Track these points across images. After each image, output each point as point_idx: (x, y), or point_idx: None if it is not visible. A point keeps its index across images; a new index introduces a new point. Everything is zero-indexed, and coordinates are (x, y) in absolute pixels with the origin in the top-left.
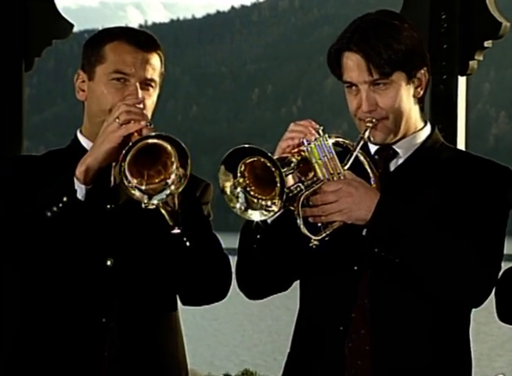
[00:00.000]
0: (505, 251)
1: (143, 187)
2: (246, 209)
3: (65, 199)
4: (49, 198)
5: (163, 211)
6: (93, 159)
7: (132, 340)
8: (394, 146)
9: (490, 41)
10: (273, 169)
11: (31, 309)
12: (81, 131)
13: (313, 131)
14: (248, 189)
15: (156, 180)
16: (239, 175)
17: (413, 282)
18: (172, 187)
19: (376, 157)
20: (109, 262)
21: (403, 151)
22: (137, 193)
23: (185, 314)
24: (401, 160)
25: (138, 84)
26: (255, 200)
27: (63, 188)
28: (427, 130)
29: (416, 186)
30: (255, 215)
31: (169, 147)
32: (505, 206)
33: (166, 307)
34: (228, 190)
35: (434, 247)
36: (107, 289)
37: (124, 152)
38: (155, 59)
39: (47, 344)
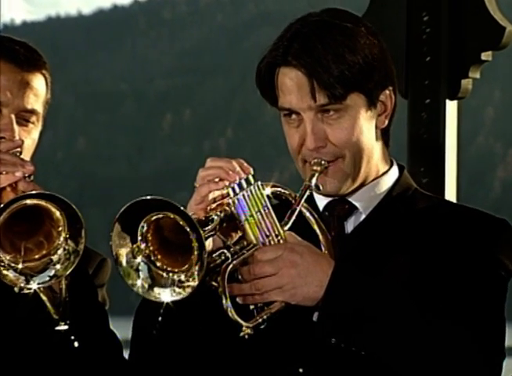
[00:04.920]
0: (506, 343)
1: (19, 266)
2: (151, 287)
3: None
4: None
5: (44, 299)
6: None
7: None
8: (350, 199)
9: (490, 53)
10: (188, 229)
11: None
12: None
13: (242, 175)
14: (153, 258)
15: (37, 256)
16: (139, 238)
17: None
18: (58, 266)
19: (326, 213)
20: None
21: (363, 204)
22: (10, 275)
23: None
24: (361, 218)
25: (13, 117)
26: (163, 274)
27: None
28: (394, 173)
29: (383, 252)
30: (165, 295)
31: (55, 211)
32: (503, 273)
33: None
34: (123, 261)
35: (417, 336)
36: None
37: None
38: (38, 82)
39: None
